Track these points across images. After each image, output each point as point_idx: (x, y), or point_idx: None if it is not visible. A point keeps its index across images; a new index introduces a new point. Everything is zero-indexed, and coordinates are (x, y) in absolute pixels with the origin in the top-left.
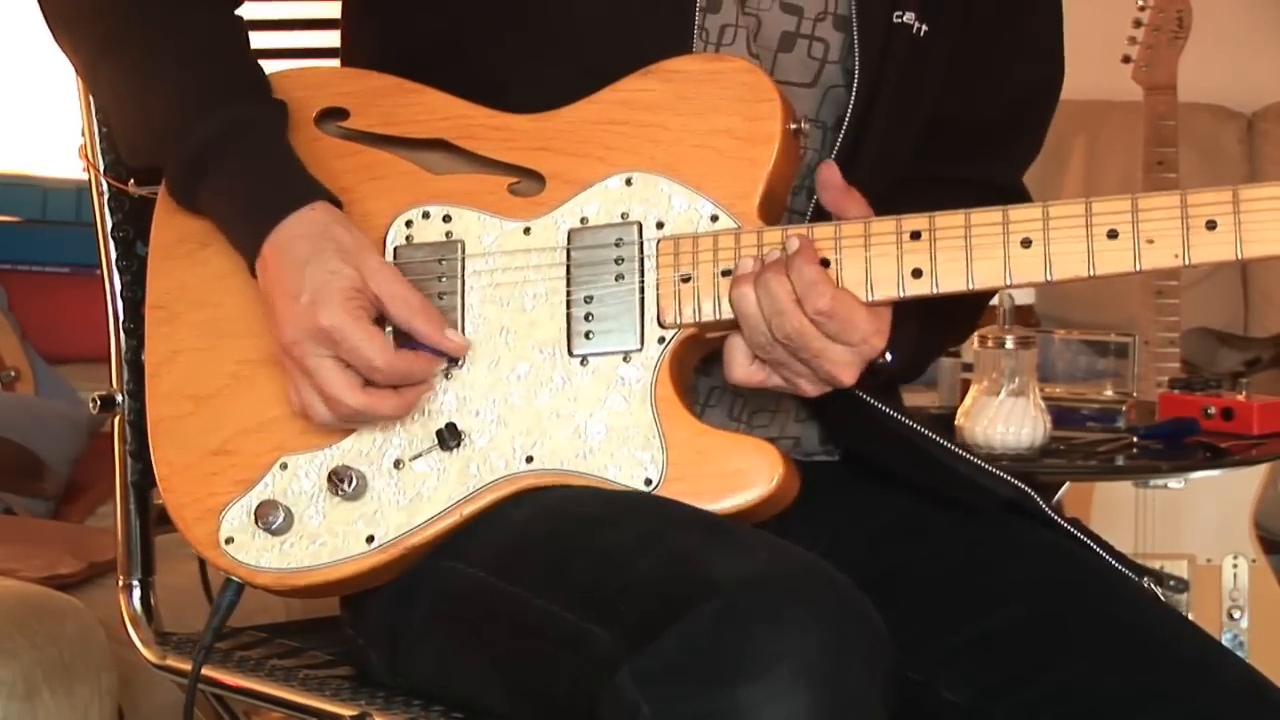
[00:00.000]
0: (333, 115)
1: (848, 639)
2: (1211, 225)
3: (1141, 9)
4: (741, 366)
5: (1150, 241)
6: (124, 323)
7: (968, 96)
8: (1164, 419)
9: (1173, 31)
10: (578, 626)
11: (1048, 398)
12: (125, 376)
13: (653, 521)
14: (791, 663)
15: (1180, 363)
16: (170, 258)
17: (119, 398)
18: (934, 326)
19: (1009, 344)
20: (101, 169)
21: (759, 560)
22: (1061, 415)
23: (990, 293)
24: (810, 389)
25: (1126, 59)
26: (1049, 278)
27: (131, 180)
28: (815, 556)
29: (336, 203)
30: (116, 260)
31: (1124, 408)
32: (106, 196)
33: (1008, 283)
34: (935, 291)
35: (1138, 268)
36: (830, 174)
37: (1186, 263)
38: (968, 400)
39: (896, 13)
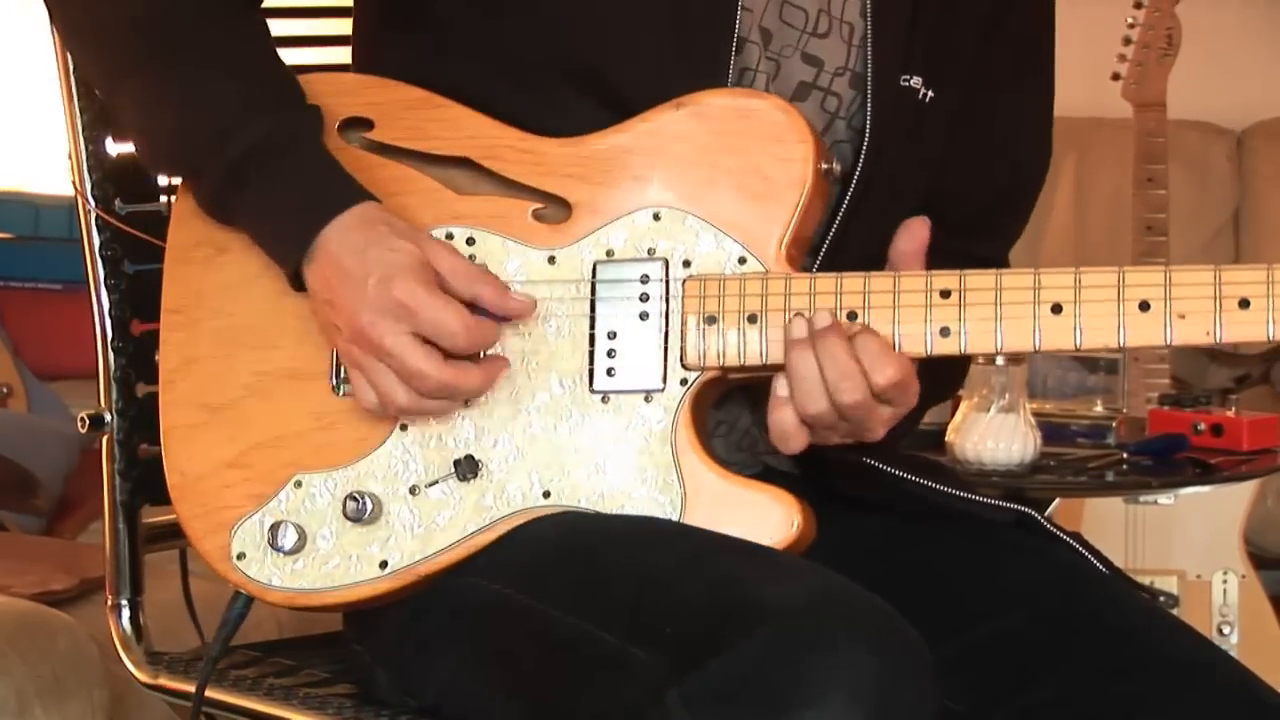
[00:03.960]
0: (357, 125)
1: (901, 668)
2: (1245, 304)
3: (1131, 26)
4: (796, 437)
5: (1182, 316)
6: (112, 341)
7: (964, 176)
8: (1154, 435)
9: (1162, 49)
10: (616, 647)
11: (1038, 414)
12: (114, 395)
13: (692, 545)
14: (847, 690)
15: (1170, 379)
16: (188, 262)
17: (108, 416)
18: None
19: (999, 360)
20: (88, 189)
21: (808, 587)
22: (1051, 431)
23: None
24: (838, 442)
25: (1116, 76)
26: (1078, 345)
27: (117, 200)
28: (857, 584)
29: (378, 203)
30: (105, 279)
31: (1114, 424)
32: (94, 214)
33: (1036, 348)
34: (963, 351)
35: (1168, 341)
36: (921, 230)
37: (1218, 340)
38: (958, 417)
39: (904, 76)
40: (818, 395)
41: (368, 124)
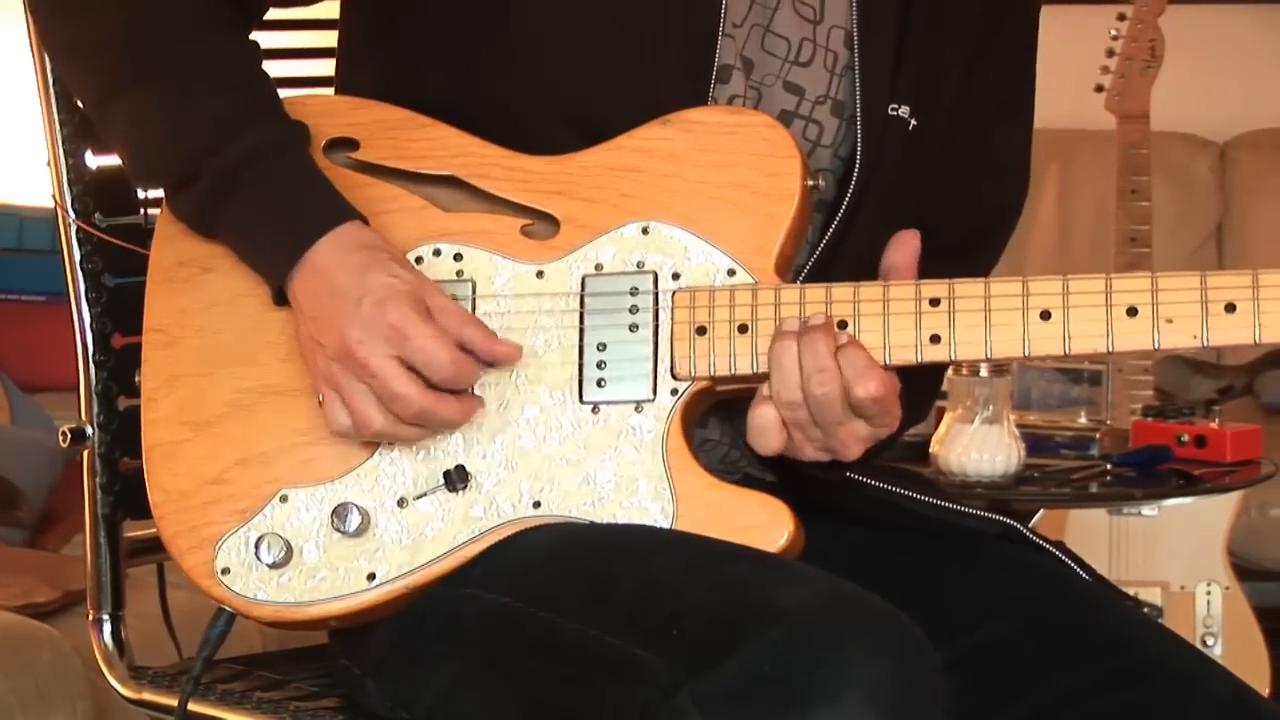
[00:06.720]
0: (342, 145)
1: (913, 669)
2: (1230, 308)
3: (1115, 38)
4: (774, 434)
5: (1169, 321)
6: (93, 354)
7: (945, 207)
8: (1137, 447)
9: (1145, 60)
10: (623, 651)
11: (1022, 425)
12: (95, 409)
13: (694, 551)
14: (861, 691)
15: (1154, 390)
16: (170, 281)
17: (89, 430)
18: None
19: (983, 372)
20: (69, 201)
21: (818, 590)
22: (1035, 443)
23: (938, 382)
24: (812, 455)
25: (1100, 88)
26: (1067, 350)
27: (97, 213)
28: (864, 589)
29: (365, 222)
30: (86, 292)
31: (1098, 435)
32: (74, 228)
33: (1026, 354)
34: (953, 359)
35: (1156, 346)
36: (913, 239)
37: (1205, 344)
38: (942, 428)
39: (892, 105)
40: (793, 384)
41: (353, 144)
